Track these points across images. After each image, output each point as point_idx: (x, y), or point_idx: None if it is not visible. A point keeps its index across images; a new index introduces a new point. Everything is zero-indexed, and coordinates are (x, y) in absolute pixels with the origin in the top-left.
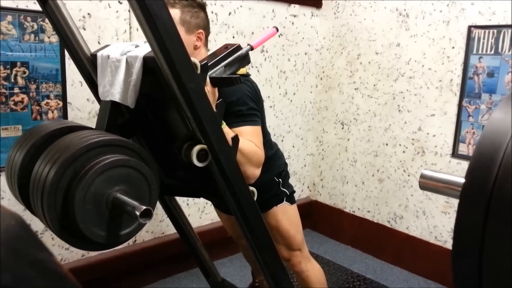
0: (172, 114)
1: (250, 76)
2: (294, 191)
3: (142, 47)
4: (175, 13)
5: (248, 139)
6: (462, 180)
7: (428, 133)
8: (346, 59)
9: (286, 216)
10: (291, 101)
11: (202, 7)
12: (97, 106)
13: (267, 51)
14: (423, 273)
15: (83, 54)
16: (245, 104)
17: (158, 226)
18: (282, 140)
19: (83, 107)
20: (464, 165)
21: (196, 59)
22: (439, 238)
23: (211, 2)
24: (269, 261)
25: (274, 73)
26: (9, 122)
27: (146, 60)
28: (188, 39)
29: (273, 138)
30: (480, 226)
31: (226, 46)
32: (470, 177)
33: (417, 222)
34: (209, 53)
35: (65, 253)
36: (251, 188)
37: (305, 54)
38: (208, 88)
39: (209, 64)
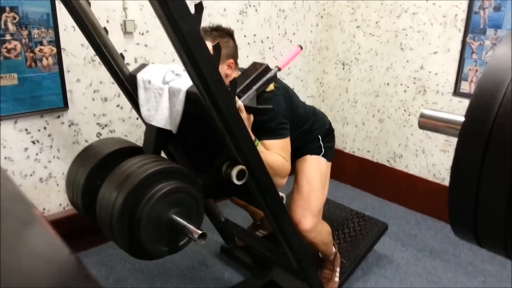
0: (207, 129)
1: (278, 87)
2: (331, 147)
3: (183, 78)
4: (207, 45)
5: (277, 152)
6: (462, 119)
7: (430, 72)
8: None
9: (317, 167)
10: (291, 41)
11: (231, 35)
12: (91, 52)
13: None
14: (421, 209)
15: (122, 73)
16: (275, 120)
17: None
18: None
19: (77, 53)
20: (466, 103)
21: (239, 101)
22: (437, 175)
23: None
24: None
25: (273, 12)
26: (3, 70)
27: (189, 94)
28: (220, 69)
29: None
30: (478, 164)
31: (255, 66)
32: (470, 115)
33: (416, 160)
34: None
35: None
36: (281, 194)
37: None
38: (244, 115)
39: (241, 88)
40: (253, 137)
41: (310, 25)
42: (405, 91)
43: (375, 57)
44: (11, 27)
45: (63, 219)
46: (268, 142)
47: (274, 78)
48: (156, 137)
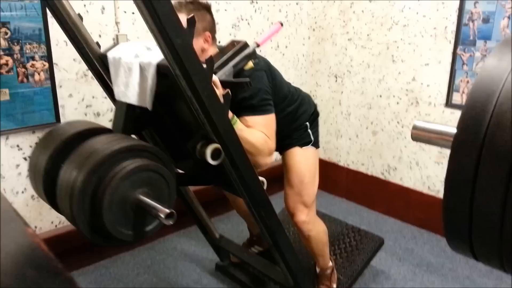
0: (183, 109)
1: (259, 62)
2: (317, 131)
3: (154, 51)
4: (182, 18)
5: (259, 129)
6: (454, 130)
7: (422, 83)
8: (338, 8)
9: (307, 160)
10: (283, 54)
11: (207, 8)
12: (83, 66)
13: (257, 2)
14: (416, 223)
15: (93, 53)
16: (256, 97)
17: None
18: None
19: (70, 68)
20: (458, 114)
21: (213, 75)
22: (432, 188)
23: None
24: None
25: (265, 25)
26: None
27: (159, 67)
28: (195, 43)
29: None
30: (471, 176)
31: (233, 43)
32: (462, 127)
33: (411, 173)
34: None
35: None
36: (261, 178)
37: (297, 4)
38: (219, 91)
39: (218, 64)
40: (230, 114)
41: (302, 38)
42: (397, 103)
43: (367, 69)
44: (3, 43)
45: (55, 238)
46: (250, 119)
47: (253, 55)
48: (126, 115)
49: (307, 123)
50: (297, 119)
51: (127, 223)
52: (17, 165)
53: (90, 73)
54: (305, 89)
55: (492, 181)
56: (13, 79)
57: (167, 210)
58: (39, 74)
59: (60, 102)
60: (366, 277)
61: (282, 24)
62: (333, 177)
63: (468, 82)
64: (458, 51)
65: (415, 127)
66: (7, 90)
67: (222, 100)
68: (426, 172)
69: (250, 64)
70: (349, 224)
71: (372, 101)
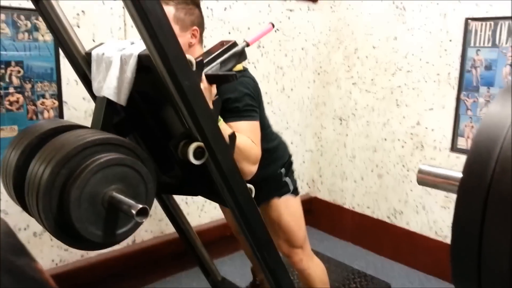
0: (168, 111)
1: (248, 71)
2: (295, 179)
3: (137, 45)
4: (169, 10)
5: (245, 135)
6: (460, 175)
7: (426, 128)
8: (343, 53)
9: (288, 210)
10: (289, 97)
11: (197, 4)
12: (93, 105)
13: (263, 47)
14: (424, 269)
15: (78, 53)
16: (242, 100)
17: (157, 226)
18: None
19: (79, 106)
20: (463, 159)
21: (191, 56)
22: (439, 233)
23: None
24: (267, 258)
25: (271, 68)
26: (4, 122)
27: (141, 58)
28: (182, 37)
29: None
30: (478, 222)
31: (221, 43)
32: (468, 172)
33: (417, 217)
34: (204, 50)
35: (64, 254)
36: (249, 185)
37: (302, 49)
38: (204, 85)
39: (205, 61)
40: None
41: (307, 81)
42: (402, 147)
43: (372, 112)
44: (16, 81)
45: (55, 276)
46: (234, 124)
47: (242, 54)
48: (106, 111)
49: (282, 170)
50: (274, 161)
51: (98, 222)
52: None
53: None
54: (310, 131)
55: (500, 226)
56: (23, 116)
57: (139, 206)
58: (48, 111)
59: None
60: None
61: (273, 25)
62: (338, 220)
63: (472, 127)
64: (462, 96)
65: (420, 171)
66: (15, 127)
67: (207, 96)
68: (433, 216)
69: (240, 66)
70: (355, 269)
71: (377, 144)
